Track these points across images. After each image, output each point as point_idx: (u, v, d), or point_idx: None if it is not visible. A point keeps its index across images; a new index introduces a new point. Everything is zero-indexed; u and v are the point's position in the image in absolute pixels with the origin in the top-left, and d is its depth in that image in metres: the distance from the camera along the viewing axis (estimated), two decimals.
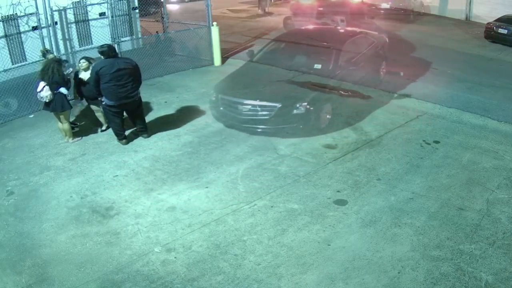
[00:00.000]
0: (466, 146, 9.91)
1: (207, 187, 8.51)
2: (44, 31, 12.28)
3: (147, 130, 10.63)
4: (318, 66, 11.85)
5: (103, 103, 10.00)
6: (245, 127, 10.47)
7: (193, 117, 11.57)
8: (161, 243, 7.06)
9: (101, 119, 10.89)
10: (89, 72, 10.18)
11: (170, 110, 12.12)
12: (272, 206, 7.89)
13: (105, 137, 10.59)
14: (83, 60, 10.46)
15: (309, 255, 6.75)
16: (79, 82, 10.43)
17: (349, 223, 7.41)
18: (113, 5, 13.78)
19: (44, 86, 9.78)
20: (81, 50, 13.50)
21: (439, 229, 7.21)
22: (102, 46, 9.88)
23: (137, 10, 15.45)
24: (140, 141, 10.37)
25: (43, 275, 6.49)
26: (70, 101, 10.45)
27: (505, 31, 19.29)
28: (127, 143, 10.31)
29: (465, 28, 23.10)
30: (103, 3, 13.74)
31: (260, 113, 10.30)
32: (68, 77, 10.22)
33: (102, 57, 9.79)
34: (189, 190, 8.42)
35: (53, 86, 9.82)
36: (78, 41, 13.72)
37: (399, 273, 6.36)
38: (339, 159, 9.44)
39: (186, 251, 6.88)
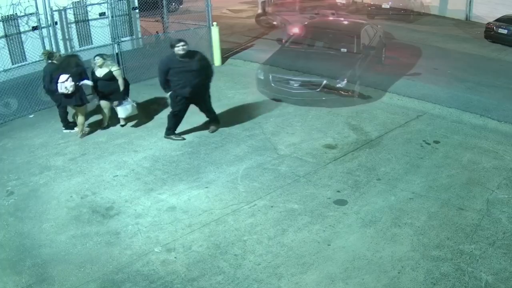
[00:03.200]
0: (466, 146, 9.91)
1: (207, 187, 8.51)
2: (44, 31, 12.27)
3: (217, 118, 10.92)
4: (344, 49, 13.63)
5: (170, 93, 10.12)
6: (296, 99, 12.17)
7: (193, 117, 11.56)
8: (161, 243, 7.06)
9: (105, 116, 10.95)
10: (104, 69, 10.39)
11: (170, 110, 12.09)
12: (272, 206, 7.89)
13: (105, 137, 10.59)
14: (97, 57, 10.51)
15: (309, 255, 6.75)
16: (95, 79, 10.54)
17: (349, 223, 7.42)
18: (113, 5, 13.75)
19: (68, 77, 9.88)
20: (81, 50, 13.50)
21: (439, 229, 7.21)
22: (179, 39, 9.89)
23: (137, 10, 15.46)
24: (140, 141, 10.37)
25: (43, 275, 6.49)
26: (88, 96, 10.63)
27: (505, 31, 19.27)
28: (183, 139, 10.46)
29: (465, 28, 23.08)
30: (103, 3, 13.75)
31: (309, 86, 12.13)
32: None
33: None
34: (189, 190, 8.43)
35: (76, 79, 9.98)
36: (78, 41, 13.72)
37: (399, 273, 6.36)
38: (339, 159, 9.44)
39: (186, 251, 6.89)
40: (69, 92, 9.97)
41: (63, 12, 13.10)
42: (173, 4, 24.70)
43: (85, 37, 13.95)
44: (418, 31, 22.30)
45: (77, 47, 13.61)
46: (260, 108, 12.03)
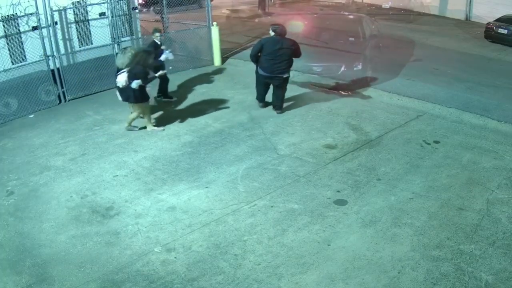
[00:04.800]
0: (466, 146, 9.91)
1: (207, 187, 8.52)
2: (44, 31, 12.25)
3: (281, 107, 11.84)
4: (352, 39, 14.68)
5: (256, 71, 11.55)
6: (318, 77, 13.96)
7: (193, 117, 11.57)
8: (161, 243, 7.06)
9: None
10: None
11: (170, 110, 12.12)
12: (272, 206, 7.89)
13: (105, 137, 10.59)
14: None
15: (309, 255, 6.76)
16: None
17: (349, 223, 7.42)
18: (113, 5, 13.74)
19: (122, 72, 10.13)
20: (81, 50, 13.49)
21: (439, 229, 7.21)
22: (274, 24, 11.51)
23: (137, 10, 15.42)
24: (140, 141, 10.37)
25: (43, 275, 6.49)
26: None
27: (505, 31, 19.27)
28: (264, 106, 12.04)
29: (465, 28, 23.07)
30: (103, 3, 13.69)
31: (330, 70, 13.75)
32: (153, 76, 10.85)
33: (273, 33, 11.29)
34: (189, 190, 8.43)
35: (131, 76, 10.10)
36: (78, 41, 13.68)
37: (399, 273, 6.36)
38: (339, 159, 9.45)
39: (186, 251, 6.89)
40: (120, 86, 10.28)
41: (63, 12, 13.04)
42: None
43: (85, 37, 13.90)
44: (418, 31, 22.30)
45: (77, 47, 13.56)
46: (260, 108, 12.03)
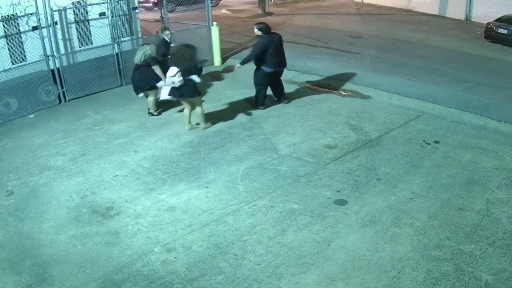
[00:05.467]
0: (466, 146, 9.91)
1: (207, 187, 8.52)
2: (44, 31, 12.27)
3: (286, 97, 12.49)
4: None
5: (261, 72, 11.70)
6: None
7: (193, 117, 11.57)
8: (161, 243, 7.07)
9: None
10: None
11: (170, 110, 12.13)
12: (272, 206, 7.89)
13: (105, 137, 10.61)
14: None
15: (309, 255, 6.76)
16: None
17: (349, 223, 7.42)
18: (113, 5, 13.76)
19: (177, 72, 10.15)
20: (81, 50, 13.50)
21: (439, 229, 7.21)
22: (259, 23, 11.81)
23: (137, 10, 15.42)
24: (140, 141, 10.38)
25: (43, 275, 6.49)
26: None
27: (505, 31, 19.29)
28: (265, 108, 12.09)
29: (465, 28, 23.10)
30: (103, 3, 13.70)
31: None
32: (201, 66, 11.35)
33: (260, 32, 11.60)
34: (189, 190, 8.43)
35: (184, 73, 10.21)
36: (78, 41, 13.69)
37: (399, 273, 6.36)
38: (339, 159, 9.45)
39: (186, 251, 6.89)
40: (178, 86, 10.35)
41: (63, 12, 13.05)
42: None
43: (85, 37, 13.91)
44: (418, 31, 22.33)
45: (77, 47, 13.57)
46: (259, 108, 12.03)
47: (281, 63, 11.83)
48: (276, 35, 11.75)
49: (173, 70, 10.21)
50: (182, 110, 11.32)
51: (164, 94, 10.68)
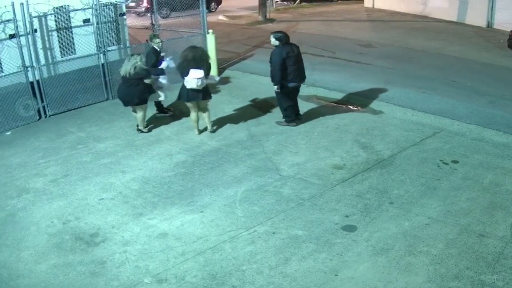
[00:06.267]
0: (487, 166, 9.98)
1: (202, 212, 8.59)
2: (23, 39, 12.33)
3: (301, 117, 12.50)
4: None
5: (278, 89, 11.72)
6: None
7: (186, 134, 11.69)
8: (151, 273, 7.11)
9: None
10: None
11: (162, 127, 12.23)
12: (273, 233, 7.95)
13: (90, 157, 10.70)
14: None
15: (314, 286, 6.80)
16: None
17: (359, 251, 7.47)
18: (98, 11, 13.85)
19: (203, 74, 10.94)
20: (63, 61, 13.60)
21: (457, 257, 7.25)
22: (277, 32, 11.86)
23: (125, 17, 15.54)
24: (128, 160, 10.48)
25: None
26: None
27: None
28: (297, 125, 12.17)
29: (487, 36, 23.24)
30: (88, 8, 13.79)
31: None
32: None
33: (278, 42, 11.62)
34: (182, 215, 8.50)
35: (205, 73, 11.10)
36: (60, 51, 13.79)
37: None
38: (348, 180, 9.53)
39: (179, 282, 6.94)
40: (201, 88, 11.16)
41: (43, 19, 13.16)
42: (213, 4, 33.37)
43: (67, 46, 14.01)
44: (435, 39, 22.47)
45: (58, 57, 13.67)
46: (260, 125, 12.16)
47: (302, 77, 11.95)
48: (293, 45, 11.79)
49: (199, 72, 10.89)
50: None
51: (192, 83, 11.05)
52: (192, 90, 11.09)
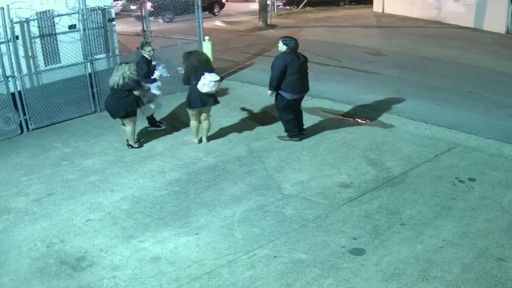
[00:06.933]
0: (507, 184, 10.00)
1: (197, 234, 8.61)
2: (3, 47, 12.34)
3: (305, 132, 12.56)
4: None
5: (281, 100, 11.85)
6: None
7: (181, 150, 11.74)
8: None
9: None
10: None
11: (154, 142, 12.31)
12: (275, 256, 7.97)
13: (76, 174, 10.74)
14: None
15: None
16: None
17: (367, 277, 7.49)
18: (85, 16, 13.80)
19: (208, 75, 11.33)
20: (47, 70, 13.64)
21: (474, 283, 7.26)
22: (286, 38, 11.98)
23: (114, 22, 15.59)
24: (117, 178, 10.53)
25: None
26: None
27: None
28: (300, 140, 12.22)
29: (506, 44, 23.31)
30: (73, 13, 13.74)
31: None
32: None
33: (286, 48, 11.71)
34: (176, 237, 8.52)
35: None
36: (44, 59, 13.82)
37: None
38: (356, 200, 9.56)
39: None
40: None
41: (25, 25, 13.22)
42: (216, 7, 36.48)
43: (52, 54, 14.05)
44: (450, 47, 22.55)
45: (42, 66, 13.72)
46: (261, 140, 12.22)
47: (304, 88, 12.00)
48: (301, 54, 11.89)
49: (214, 75, 11.37)
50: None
51: (210, 86, 11.35)
52: (206, 94, 11.38)
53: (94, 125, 13.59)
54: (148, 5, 27.09)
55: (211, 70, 11.46)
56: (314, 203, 9.48)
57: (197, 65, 11.36)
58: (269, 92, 11.83)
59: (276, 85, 11.62)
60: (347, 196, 9.70)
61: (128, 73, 11.33)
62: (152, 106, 12.42)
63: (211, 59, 16.12)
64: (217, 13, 35.99)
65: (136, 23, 18.92)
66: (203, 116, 11.87)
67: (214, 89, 11.38)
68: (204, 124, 11.96)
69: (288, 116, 12.02)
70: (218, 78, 11.44)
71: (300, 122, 12.41)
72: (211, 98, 11.59)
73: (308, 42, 23.66)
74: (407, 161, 11.01)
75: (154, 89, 12.28)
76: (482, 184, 10.01)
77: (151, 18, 23.47)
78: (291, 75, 11.54)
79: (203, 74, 11.24)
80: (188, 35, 16.96)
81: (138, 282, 7.48)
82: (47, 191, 10.15)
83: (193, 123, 11.94)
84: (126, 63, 11.77)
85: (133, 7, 24.35)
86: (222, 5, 37.79)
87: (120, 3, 16.05)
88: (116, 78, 11.34)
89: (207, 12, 34.25)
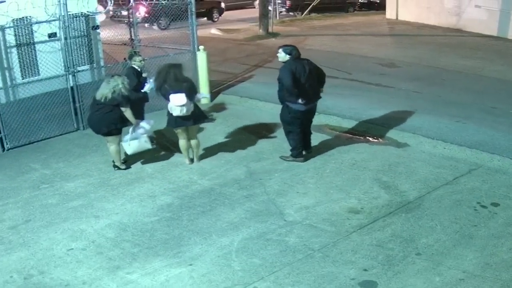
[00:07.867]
0: None
1: (191, 265, 8.63)
2: None
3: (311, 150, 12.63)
4: None
5: (288, 111, 11.83)
6: None
7: (172, 171, 11.78)
8: None
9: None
10: None
11: (142, 163, 12.42)
12: None
13: (57, 198, 10.77)
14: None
15: None
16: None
17: None
18: (66, 24, 13.75)
19: (186, 98, 11.25)
20: (24, 83, 13.66)
21: None
22: (286, 46, 11.95)
23: (98, 30, 15.64)
24: (102, 203, 10.55)
25: None
26: None
27: None
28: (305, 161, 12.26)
29: None
30: (54, 20, 13.71)
31: None
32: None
33: (288, 57, 11.72)
34: (167, 269, 8.53)
35: (189, 95, 11.39)
36: (21, 71, 13.84)
37: None
38: (366, 227, 9.59)
39: None
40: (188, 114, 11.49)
41: (0, 33, 13.27)
42: (215, 13, 37.74)
43: (29, 65, 14.07)
44: (471, 57, 22.61)
45: (19, 79, 13.74)
46: (261, 160, 12.28)
47: (314, 97, 12.05)
48: (305, 60, 11.95)
49: (180, 97, 11.12)
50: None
51: (176, 111, 11.28)
52: (180, 117, 11.37)
53: (77, 144, 13.64)
54: (143, 11, 27.33)
55: (179, 90, 11.20)
56: (321, 230, 9.50)
57: (163, 83, 11.34)
58: (299, 100, 11.59)
59: (293, 92, 11.50)
60: (357, 223, 9.71)
61: (120, 86, 11.26)
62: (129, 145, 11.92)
63: (206, 71, 16.24)
64: (216, 20, 36.48)
65: (125, 30, 19.01)
66: (190, 134, 11.95)
67: (183, 113, 11.28)
68: (192, 143, 12.03)
69: (294, 129, 12.01)
70: (183, 102, 11.14)
71: (307, 140, 12.43)
72: (190, 119, 11.58)
73: (313, 52, 23.75)
74: (423, 184, 11.03)
75: (144, 123, 12.14)
76: (507, 210, 10.00)
77: (146, 25, 23.55)
78: (298, 86, 11.51)
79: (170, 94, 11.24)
80: (181, 44, 16.97)
81: None
82: (24, 217, 10.17)
83: (181, 142, 12.00)
84: (119, 75, 11.76)
85: (124, 13, 24.42)
86: (221, 11, 38.40)
87: (104, 10, 16.09)
88: (105, 91, 11.26)
89: (205, 19, 34.68)
